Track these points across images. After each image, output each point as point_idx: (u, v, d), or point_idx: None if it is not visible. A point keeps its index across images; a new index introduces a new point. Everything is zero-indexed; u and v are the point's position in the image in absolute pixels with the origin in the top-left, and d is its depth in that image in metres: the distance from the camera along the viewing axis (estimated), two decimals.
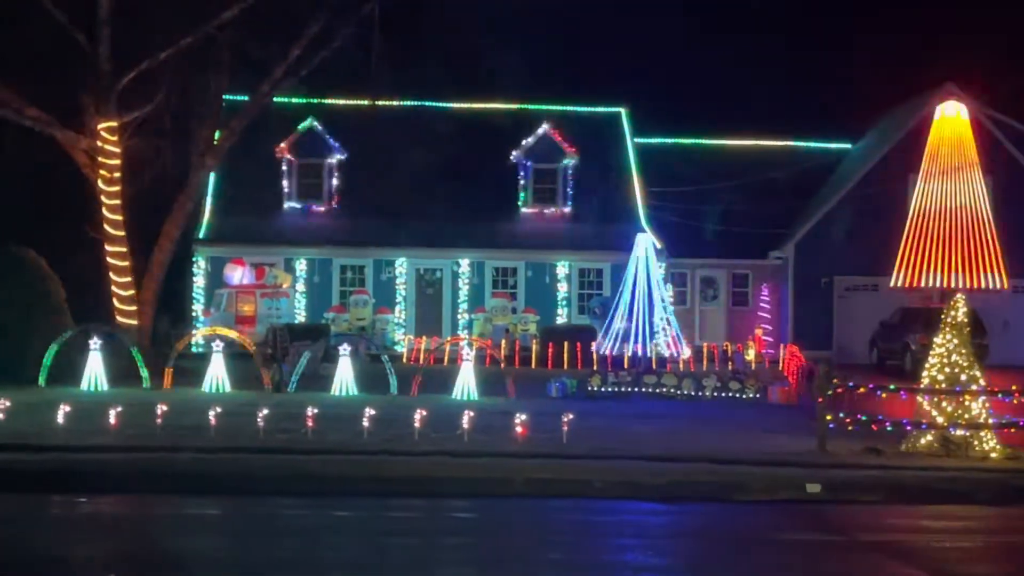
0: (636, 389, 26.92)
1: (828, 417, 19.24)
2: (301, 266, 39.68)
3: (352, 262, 40.07)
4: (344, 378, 25.97)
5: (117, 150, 30.46)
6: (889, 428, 19.50)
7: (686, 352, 35.36)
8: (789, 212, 43.21)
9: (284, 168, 40.88)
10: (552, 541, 13.65)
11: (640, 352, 34.46)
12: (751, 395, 26.74)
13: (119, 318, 30.69)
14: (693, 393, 26.82)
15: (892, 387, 20.32)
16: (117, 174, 30.57)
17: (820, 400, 19.48)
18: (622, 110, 44.99)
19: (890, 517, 15.62)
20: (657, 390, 26.90)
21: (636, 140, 44.16)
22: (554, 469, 17.00)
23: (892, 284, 20.25)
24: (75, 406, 20.23)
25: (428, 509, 15.39)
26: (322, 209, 40.88)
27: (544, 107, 43.72)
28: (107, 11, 29.46)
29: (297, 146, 40.80)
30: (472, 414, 19.14)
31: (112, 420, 19.30)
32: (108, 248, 30.89)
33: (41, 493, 15.88)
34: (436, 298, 40.48)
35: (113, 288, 30.93)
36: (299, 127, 40.68)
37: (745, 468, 17.45)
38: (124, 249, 30.96)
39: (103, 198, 30.66)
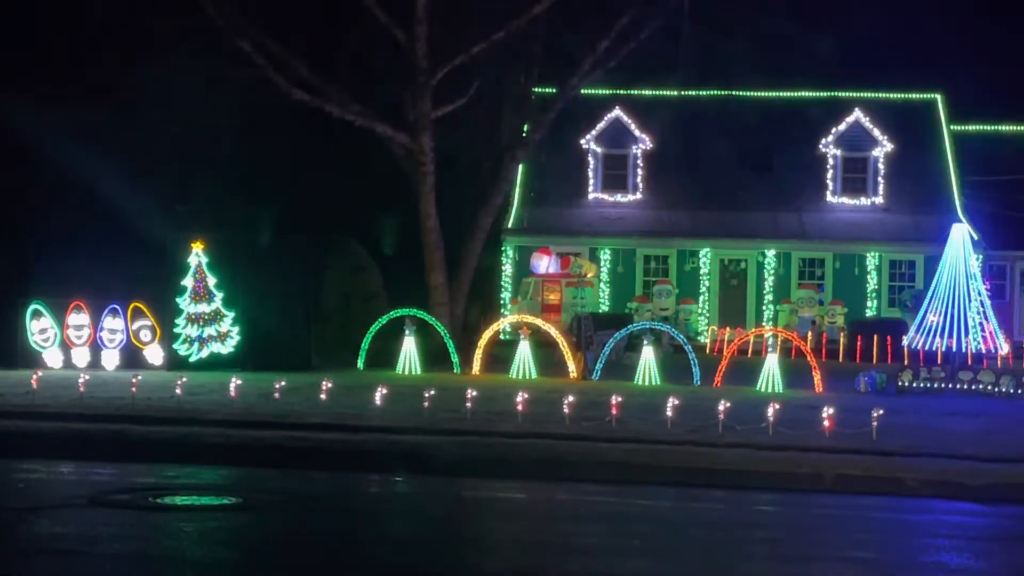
0: (950, 386, 25.92)
1: None
2: (605, 256, 40.00)
3: (656, 252, 40.10)
4: (648, 367, 26.07)
5: (431, 143, 31.49)
6: None
7: (1004, 348, 33.71)
8: None
9: (589, 159, 41.31)
10: (862, 539, 13.33)
11: (954, 347, 33.07)
12: None
13: (432, 306, 31.75)
14: (1012, 391, 25.60)
15: None
16: (431, 166, 31.64)
17: None
18: (937, 96, 43.29)
19: None
20: (973, 387, 25.85)
21: (951, 127, 42.42)
22: (864, 466, 16.58)
23: None
24: (391, 389, 21.09)
25: (732, 502, 15.30)
26: (626, 199, 41.08)
27: (853, 94, 42.50)
28: (424, 9, 30.52)
29: (602, 137, 41.13)
30: (777, 407, 18.87)
31: (425, 404, 20.02)
32: (422, 238, 32.00)
33: (359, 472, 16.65)
34: (740, 289, 40.08)
35: (427, 277, 32.03)
36: (605, 118, 41.00)
37: None
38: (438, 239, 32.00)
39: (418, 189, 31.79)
